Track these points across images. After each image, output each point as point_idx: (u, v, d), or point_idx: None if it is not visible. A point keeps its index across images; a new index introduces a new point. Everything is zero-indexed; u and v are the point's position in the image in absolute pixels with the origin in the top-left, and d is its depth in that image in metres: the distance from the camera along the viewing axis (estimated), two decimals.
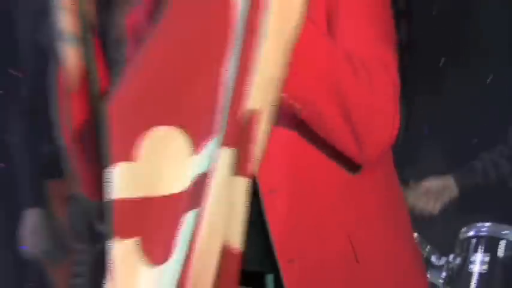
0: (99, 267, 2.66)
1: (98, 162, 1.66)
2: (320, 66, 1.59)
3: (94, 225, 2.88)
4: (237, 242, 1.52)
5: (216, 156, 1.54)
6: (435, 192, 3.15)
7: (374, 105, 1.60)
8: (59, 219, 3.12)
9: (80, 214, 2.97)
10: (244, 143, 1.53)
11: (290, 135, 1.64)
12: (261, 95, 1.53)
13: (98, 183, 1.66)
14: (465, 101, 3.32)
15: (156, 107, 1.64)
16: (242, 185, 1.53)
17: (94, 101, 1.67)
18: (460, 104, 3.31)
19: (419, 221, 2.66)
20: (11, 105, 3.30)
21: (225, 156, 1.53)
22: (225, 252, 1.52)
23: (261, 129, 1.53)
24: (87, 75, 1.67)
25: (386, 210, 1.71)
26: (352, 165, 1.65)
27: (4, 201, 3.63)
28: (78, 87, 1.68)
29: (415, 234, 2.37)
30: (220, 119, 1.56)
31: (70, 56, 1.69)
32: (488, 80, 3.26)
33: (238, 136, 1.54)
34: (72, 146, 1.74)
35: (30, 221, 3.13)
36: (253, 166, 1.55)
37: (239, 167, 1.53)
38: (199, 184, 1.54)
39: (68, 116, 1.71)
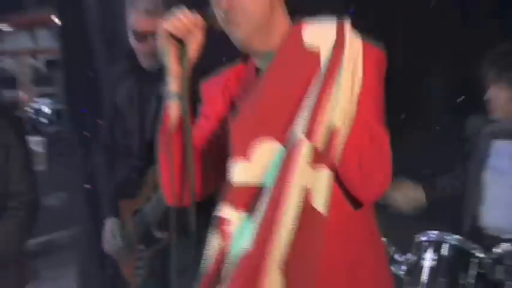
0: (155, 263, 3.25)
1: (185, 181, 1.88)
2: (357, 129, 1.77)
3: (152, 232, 3.21)
4: (322, 208, 1.75)
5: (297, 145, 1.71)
6: (407, 196, 3.41)
7: (378, 164, 1.79)
8: (127, 227, 3.32)
9: (142, 224, 3.25)
10: (328, 145, 1.72)
11: None
12: (339, 118, 1.71)
13: (182, 192, 1.92)
14: (419, 143, 3.83)
15: (263, 128, 1.81)
16: (326, 173, 1.74)
17: (187, 139, 1.90)
18: (415, 146, 3.79)
19: (387, 230, 3.02)
20: (95, 144, 3.67)
21: (306, 148, 1.72)
22: (311, 212, 1.72)
23: (340, 140, 1.73)
24: (183, 122, 1.92)
25: (369, 229, 1.97)
26: (356, 202, 1.86)
27: (91, 214, 4.07)
28: (177, 130, 1.94)
29: (384, 239, 2.74)
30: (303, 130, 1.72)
31: (173, 108, 1.94)
32: (437, 128, 3.76)
33: (322, 138, 1.71)
34: (167, 168, 1.95)
35: (108, 227, 3.37)
36: (334, 163, 1.74)
37: (323, 161, 1.73)
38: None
39: (168, 149, 1.93)
